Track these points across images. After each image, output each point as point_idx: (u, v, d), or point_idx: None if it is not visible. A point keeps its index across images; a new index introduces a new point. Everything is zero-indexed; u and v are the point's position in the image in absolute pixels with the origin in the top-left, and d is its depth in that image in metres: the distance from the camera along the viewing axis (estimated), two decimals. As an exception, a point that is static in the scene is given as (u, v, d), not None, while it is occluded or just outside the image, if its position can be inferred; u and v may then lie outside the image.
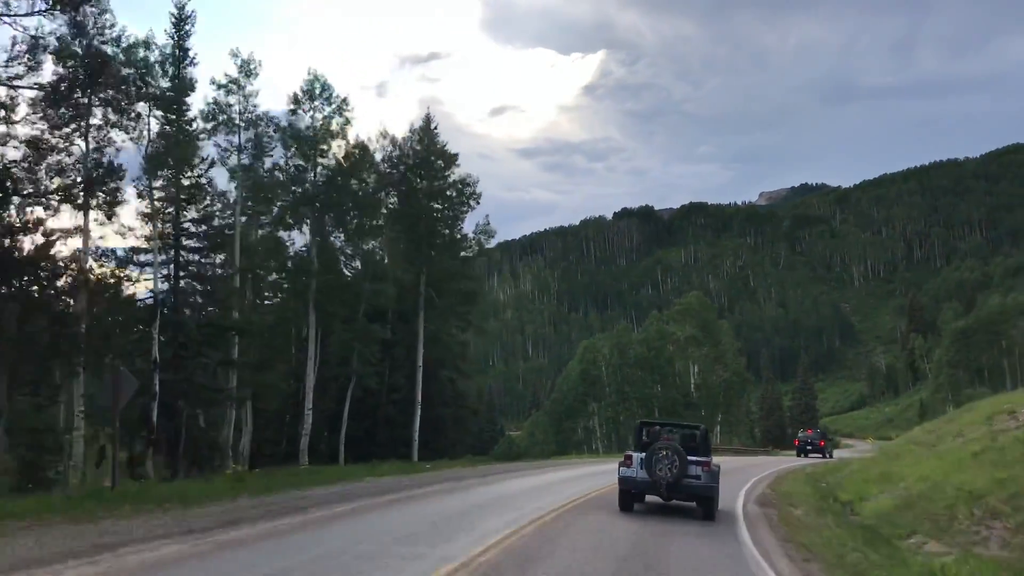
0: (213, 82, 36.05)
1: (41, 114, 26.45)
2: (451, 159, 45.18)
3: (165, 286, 32.59)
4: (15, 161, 25.86)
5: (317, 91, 38.63)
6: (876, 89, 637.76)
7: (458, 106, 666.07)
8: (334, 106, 38.84)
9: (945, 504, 15.84)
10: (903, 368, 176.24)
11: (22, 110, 26.06)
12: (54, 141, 26.97)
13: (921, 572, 11.89)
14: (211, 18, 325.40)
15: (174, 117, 32.45)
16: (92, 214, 28.11)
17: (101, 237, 43.83)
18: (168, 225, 32.84)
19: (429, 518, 15.58)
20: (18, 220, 25.42)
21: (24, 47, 24.83)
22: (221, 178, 42.42)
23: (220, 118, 35.65)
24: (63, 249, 27.17)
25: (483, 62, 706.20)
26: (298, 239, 42.05)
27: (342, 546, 11.74)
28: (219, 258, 35.87)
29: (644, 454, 17.48)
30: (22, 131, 26.07)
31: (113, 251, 31.46)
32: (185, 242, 33.48)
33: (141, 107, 30.41)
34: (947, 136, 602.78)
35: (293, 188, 39.02)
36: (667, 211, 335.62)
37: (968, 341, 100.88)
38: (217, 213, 35.99)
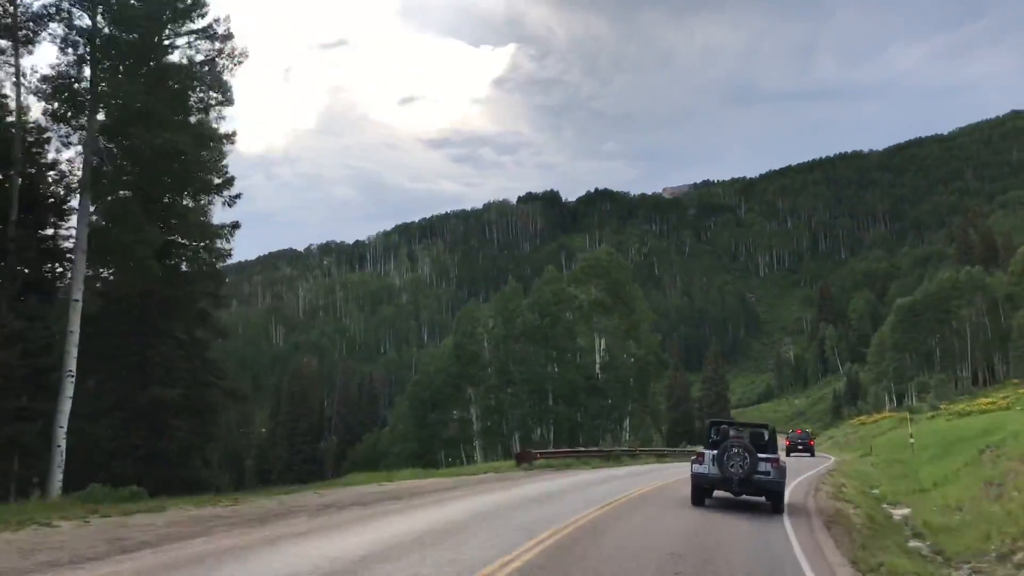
0: None
1: None
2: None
3: None
4: None
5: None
6: (777, 92, 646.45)
7: (366, 93, 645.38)
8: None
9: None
10: (812, 359, 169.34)
11: None
12: None
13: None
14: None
15: None
16: None
17: None
18: None
19: None
20: None
21: None
22: None
23: None
24: None
25: (395, 51, 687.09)
26: None
27: None
28: None
29: (716, 451, 18.70)
30: None
31: None
32: None
33: None
34: (848, 135, 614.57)
35: None
36: (573, 199, 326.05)
37: (917, 320, 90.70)
38: None
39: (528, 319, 60.47)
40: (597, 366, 61.75)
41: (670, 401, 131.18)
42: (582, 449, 40.36)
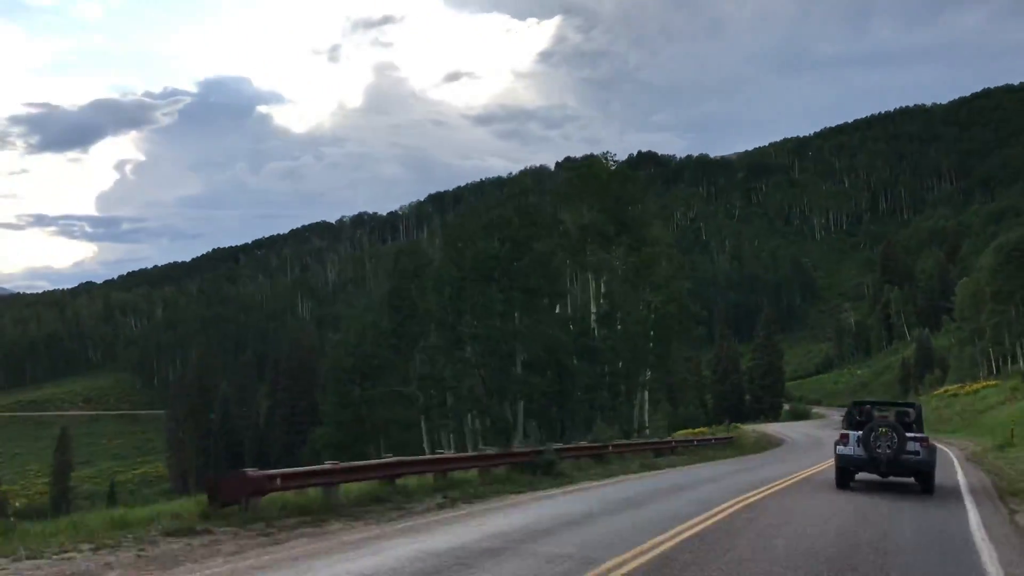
0: None
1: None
2: None
3: None
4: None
5: None
6: (832, 58, 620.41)
7: (412, 71, 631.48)
8: None
9: None
10: (876, 325, 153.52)
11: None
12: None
13: None
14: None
15: None
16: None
17: None
18: None
19: None
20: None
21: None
22: None
23: None
24: None
25: (441, 27, 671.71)
26: None
27: None
28: None
29: (860, 432, 18.30)
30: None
31: None
32: None
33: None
34: (908, 95, 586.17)
35: None
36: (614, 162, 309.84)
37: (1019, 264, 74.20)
38: None
39: (482, 249, 42.25)
40: (593, 318, 45.89)
41: (716, 373, 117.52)
42: (561, 448, 24.10)
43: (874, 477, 19.08)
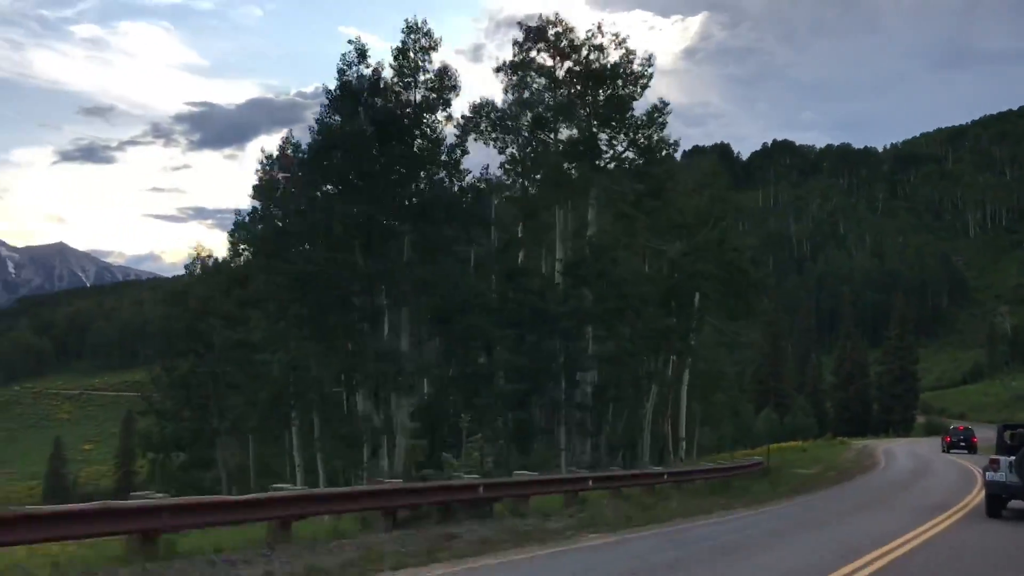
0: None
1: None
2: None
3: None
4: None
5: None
6: (998, 53, 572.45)
7: None
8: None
9: None
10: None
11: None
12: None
13: None
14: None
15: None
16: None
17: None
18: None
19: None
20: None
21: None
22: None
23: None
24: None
25: (582, 24, 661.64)
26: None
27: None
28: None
29: (1014, 458, 17.37)
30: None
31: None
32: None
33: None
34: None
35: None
36: (747, 154, 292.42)
37: None
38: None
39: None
40: (557, 269, 31.82)
41: (839, 377, 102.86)
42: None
43: None
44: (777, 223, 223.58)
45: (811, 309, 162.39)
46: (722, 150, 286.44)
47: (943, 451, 51.84)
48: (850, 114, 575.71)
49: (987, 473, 18.34)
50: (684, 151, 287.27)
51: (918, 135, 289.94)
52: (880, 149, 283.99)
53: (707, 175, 45.94)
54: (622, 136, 34.53)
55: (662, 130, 34.01)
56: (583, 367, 29.38)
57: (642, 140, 34.24)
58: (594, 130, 34.00)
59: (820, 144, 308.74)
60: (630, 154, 35.09)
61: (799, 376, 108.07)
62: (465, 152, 31.23)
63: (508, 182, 36.14)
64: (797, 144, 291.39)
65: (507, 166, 34.35)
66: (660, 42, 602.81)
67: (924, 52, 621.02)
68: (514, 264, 33.77)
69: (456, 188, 31.12)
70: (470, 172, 31.72)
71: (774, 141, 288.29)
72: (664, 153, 35.34)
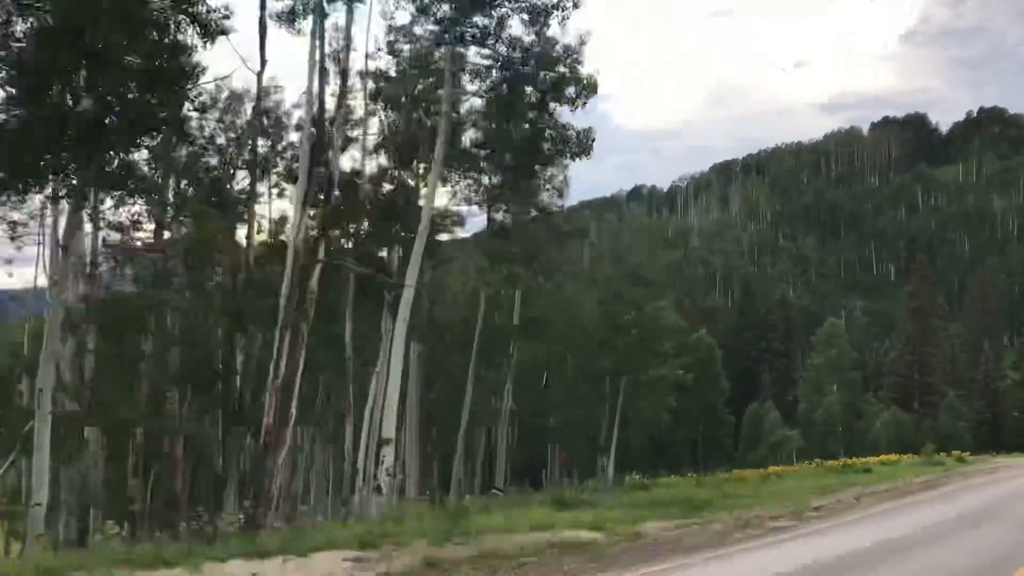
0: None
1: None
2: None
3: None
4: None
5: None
6: None
7: (753, 61, 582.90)
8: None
9: None
10: None
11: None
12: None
13: None
14: None
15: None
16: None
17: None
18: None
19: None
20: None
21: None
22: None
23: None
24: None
25: (783, 14, 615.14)
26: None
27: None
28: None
29: None
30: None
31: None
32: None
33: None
34: None
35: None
36: (947, 125, 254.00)
37: None
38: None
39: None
40: None
41: (1020, 372, 75.25)
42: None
43: None
44: (977, 199, 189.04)
45: (1001, 293, 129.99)
46: (916, 121, 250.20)
47: None
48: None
49: None
50: (872, 123, 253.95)
51: None
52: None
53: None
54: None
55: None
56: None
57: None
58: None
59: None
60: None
61: (970, 370, 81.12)
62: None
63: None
64: (1010, 113, 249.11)
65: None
66: (872, 26, 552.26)
67: None
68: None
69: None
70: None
71: (981, 109, 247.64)
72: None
